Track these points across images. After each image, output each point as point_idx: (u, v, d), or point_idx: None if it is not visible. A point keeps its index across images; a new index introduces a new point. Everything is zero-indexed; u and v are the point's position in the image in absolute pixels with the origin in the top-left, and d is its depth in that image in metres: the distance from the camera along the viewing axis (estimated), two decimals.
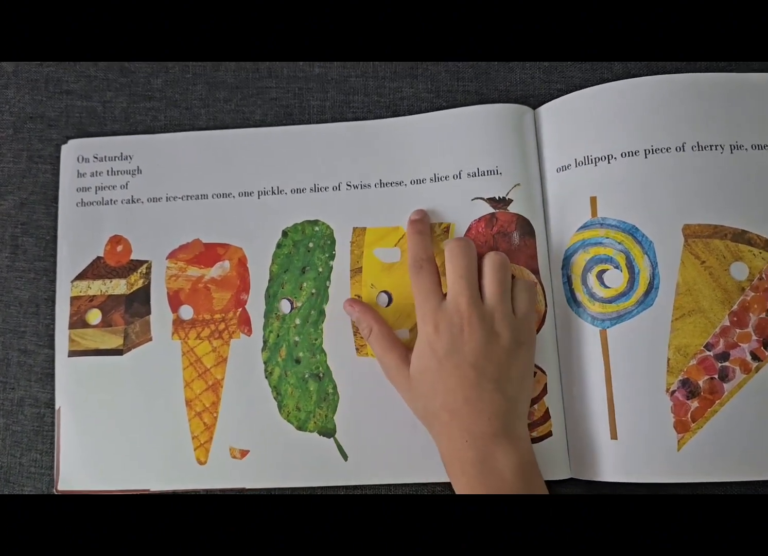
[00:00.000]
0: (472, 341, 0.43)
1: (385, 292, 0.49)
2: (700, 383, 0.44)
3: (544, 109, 0.50)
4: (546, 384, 0.46)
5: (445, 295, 0.45)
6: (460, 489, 0.42)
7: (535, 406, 0.46)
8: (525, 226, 0.48)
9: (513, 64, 0.53)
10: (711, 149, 0.46)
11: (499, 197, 0.49)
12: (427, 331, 0.44)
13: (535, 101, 0.52)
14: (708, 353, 0.44)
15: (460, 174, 0.49)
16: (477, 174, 0.49)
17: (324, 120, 0.53)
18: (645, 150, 0.46)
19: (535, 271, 0.47)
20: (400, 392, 0.46)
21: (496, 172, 0.49)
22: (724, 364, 0.44)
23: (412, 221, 0.48)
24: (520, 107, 0.50)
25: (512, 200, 0.48)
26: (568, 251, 0.47)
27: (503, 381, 0.43)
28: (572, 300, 0.46)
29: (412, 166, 0.50)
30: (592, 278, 0.46)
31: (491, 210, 0.49)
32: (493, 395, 0.42)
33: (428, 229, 0.48)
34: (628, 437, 0.44)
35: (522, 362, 0.44)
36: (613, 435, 0.44)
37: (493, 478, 0.41)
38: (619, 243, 0.46)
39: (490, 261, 0.45)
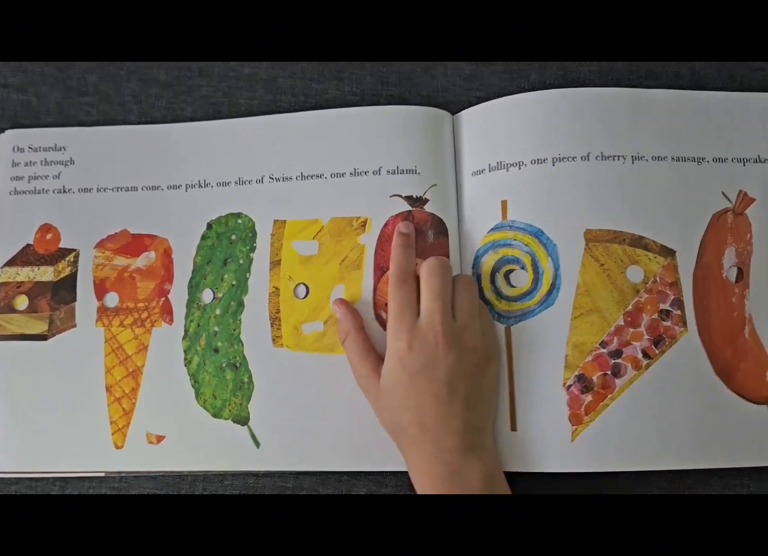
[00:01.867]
0: (445, 359, 0.44)
1: (303, 284, 0.50)
2: (594, 378, 0.46)
3: (464, 115, 0.52)
4: None
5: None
6: None
7: None
8: (439, 226, 0.50)
9: (435, 71, 0.56)
10: (614, 159, 0.49)
11: (416, 196, 0.51)
12: (400, 347, 0.44)
13: (455, 107, 0.54)
14: (603, 350, 0.46)
15: (380, 170, 0.51)
16: (396, 172, 0.51)
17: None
18: (553, 158, 0.49)
19: None
20: (368, 399, 0.47)
21: (414, 172, 0.51)
22: (617, 360, 0.46)
23: (400, 234, 0.49)
24: (441, 112, 0.52)
25: (428, 200, 0.50)
26: (479, 251, 0.49)
27: (474, 397, 0.44)
28: (481, 298, 0.48)
29: (334, 160, 0.52)
30: (500, 278, 0.48)
31: (408, 208, 0.50)
32: (463, 412, 0.44)
33: (414, 243, 0.49)
34: (527, 429, 0.46)
35: (491, 377, 0.46)
36: (513, 427, 0.46)
37: (462, 491, 0.42)
38: (526, 245, 0.48)
39: (460, 280, 0.47)
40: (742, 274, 0.48)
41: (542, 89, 0.51)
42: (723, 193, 0.49)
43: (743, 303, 0.48)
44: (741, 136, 0.50)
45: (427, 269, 0.46)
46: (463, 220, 0.50)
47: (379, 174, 0.51)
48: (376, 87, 0.56)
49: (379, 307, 0.49)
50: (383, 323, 0.48)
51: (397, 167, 0.51)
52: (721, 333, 0.47)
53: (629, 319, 0.47)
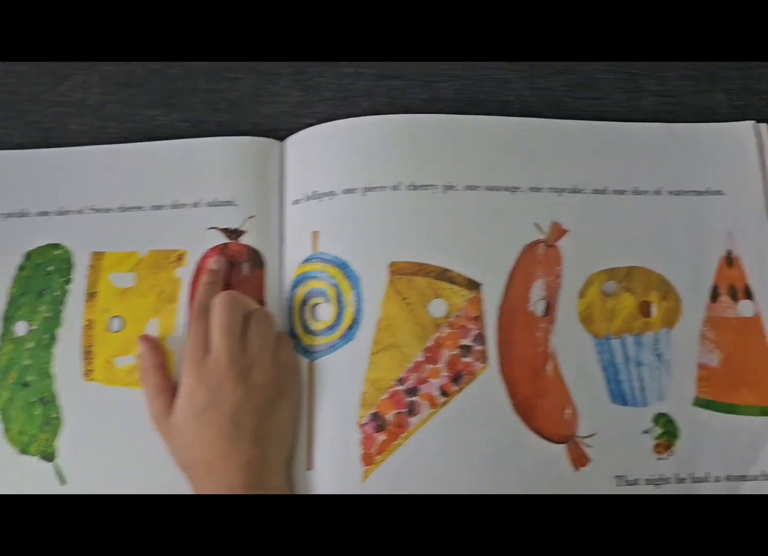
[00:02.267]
0: (231, 395, 0.44)
1: (118, 317, 0.49)
2: (389, 416, 0.45)
3: (289, 142, 0.51)
4: None
5: None
6: None
7: None
8: (255, 258, 0.49)
9: (265, 97, 0.55)
10: (425, 189, 0.48)
11: (233, 228, 0.50)
12: (189, 383, 0.44)
13: (285, 134, 0.53)
14: (400, 387, 0.45)
15: (198, 203, 0.50)
16: (214, 204, 0.50)
17: (80, 144, 0.54)
18: (363, 187, 0.48)
19: (262, 303, 0.48)
20: (162, 438, 0.46)
21: (232, 203, 0.50)
22: (413, 398, 0.45)
23: (209, 270, 0.49)
24: (266, 140, 0.52)
25: (245, 231, 0.49)
26: (293, 284, 0.48)
27: (261, 434, 0.44)
28: (291, 332, 0.47)
29: (154, 192, 0.51)
30: (307, 311, 0.47)
31: (225, 240, 0.50)
32: (249, 449, 0.43)
33: (221, 279, 0.49)
34: (322, 468, 0.45)
35: (282, 414, 0.45)
36: (310, 466, 0.45)
37: None
38: (332, 277, 0.47)
39: (255, 314, 0.46)
40: (549, 309, 0.47)
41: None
42: (536, 225, 0.48)
43: (548, 338, 0.47)
44: (558, 165, 0.50)
45: (215, 304, 0.45)
46: (284, 252, 0.49)
47: (198, 206, 0.50)
48: (205, 114, 0.55)
49: None
50: None
51: (215, 199, 0.50)
52: (523, 369, 0.46)
53: (429, 355, 0.46)
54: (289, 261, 0.49)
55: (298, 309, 0.48)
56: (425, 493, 0.44)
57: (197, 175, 0.51)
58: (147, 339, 0.48)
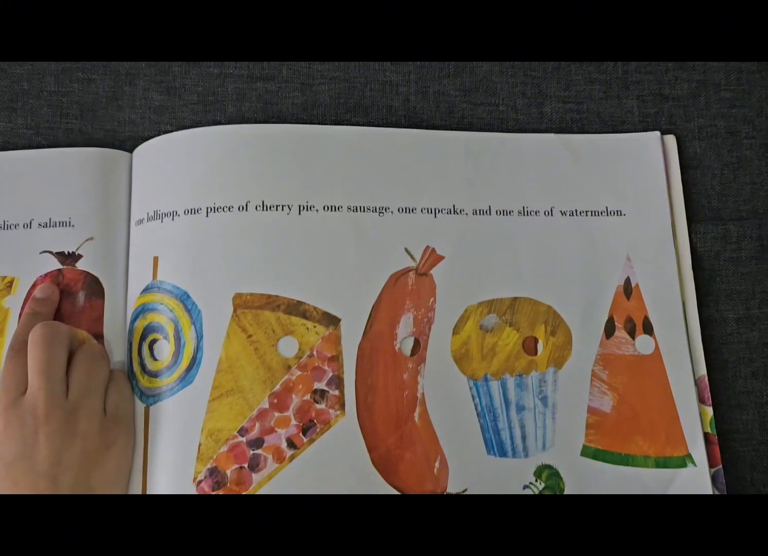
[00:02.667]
0: (46, 446, 0.38)
1: None
2: (228, 472, 0.39)
3: (137, 153, 0.45)
4: None
5: None
6: None
7: None
8: (93, 286, 0.43)
9: (123, 101, 0.48)
10: (278, 209, 0.42)
11: (68, 252, 0.44)
12: None
13: (141, 144, 0.47)
14: (241, 438, 0.39)
15: (30, 223, 0.44)
16: (48, 225, 0.44)
17: None
18: (207, 208, 0.41)
19: (100, 337, 0.42)
20: None
21: (68, 224, 0.43)
22: (256, 451, 0.39)
23: (33, 299, 0.43)
24: (112, 152, 0.46)
25: (82, 256, 0.43)
26: (133, 316, 0.42)
27: (83, 491, 0.38)
28: (129, 372, 0.41)
29: None
30: (145, 348, 0.41)
31: (59, 265, 0.43)
32: None
33: (47, 309, 0.42)
34: None
35: (110, 467, 0.39)
36: None
37: None
38: (171, 310, 0.41)
39: (82, 350, 0.40)
40: (418, 346, 0.41)
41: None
42: (406, 250, 0.42)
43: (417, 380, 0.41)
44: (435, 182, 0.43)
45: (30, 339, 0.39)
46: (128, 279, 0.43)
47: (30, 227, 0.44)
48: (53, 119, 0.49)
49: None
50: None
51: (50, 219, 0.44)
52: (385, 416, 0.40)
53: (275, 401, 0.40)
54: (131, 290, 0.43)
55: (137, 346, 0.41)
56: None
57: (30, 192, 0.45)
58: None
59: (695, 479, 0.41)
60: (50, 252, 0.44)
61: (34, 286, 0.44)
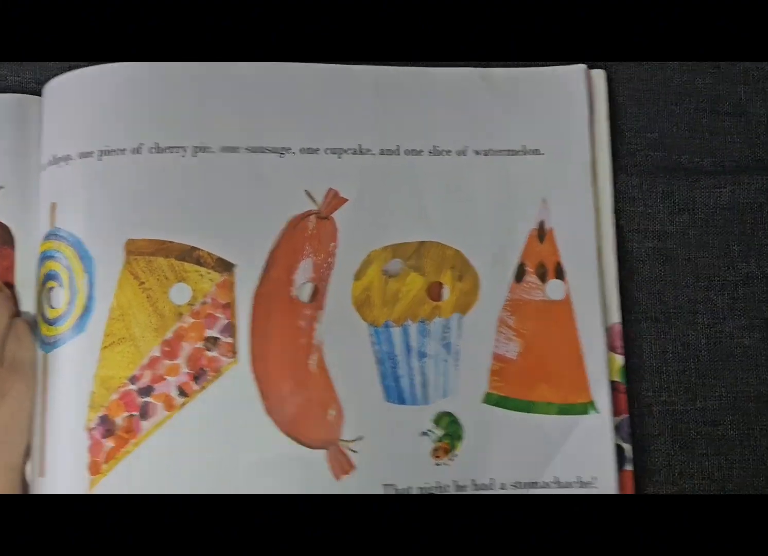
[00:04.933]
0: None
1: None
2: (118, 420, 0.39)
3: (46, 93, 0.43)
4: None
5: None
6: None
7: None
8: (3, 235, 0.42)
9: None
10: (173, 151, 0.40)
11: None
12: None
13: None
14: (132, 386, 0.39)
15: None
16: None
17: None
18: (100, 150, 0.40)
19: (11, 286, 0.42)
20: None
21: None
22: (146, 399, 0.39)
23: None
24: (18, 97, 0.44)
25: None
26: (38, 264, 0.41)
27: None
28: (32, 319, 0.41)
29: None
30: (44, 296, 0.41)
31: None
32: None
33: None
34: (52, 476, 0.39)
35: (4, 417, 0.40)
36: (41, 473, 0.39)
37: None
38: (66, 258, 0.40)
39: None
40: (317, 293, 0.40)
41: None
42: (307, 192, 0.40)
43: (313, 327, 0.40)
44: (340, 120, 0.42)
45: None
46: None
47: None
48: None
49: None
50: None
51: None
52: (279, 364, 0.39)
53: (167, 349, 0.39)
54: (36, 238, 0.42)
55: (39, 294, 0.41)
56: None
57: None
58: None
59: (597, 426, 0.40)
60: None
61: None
